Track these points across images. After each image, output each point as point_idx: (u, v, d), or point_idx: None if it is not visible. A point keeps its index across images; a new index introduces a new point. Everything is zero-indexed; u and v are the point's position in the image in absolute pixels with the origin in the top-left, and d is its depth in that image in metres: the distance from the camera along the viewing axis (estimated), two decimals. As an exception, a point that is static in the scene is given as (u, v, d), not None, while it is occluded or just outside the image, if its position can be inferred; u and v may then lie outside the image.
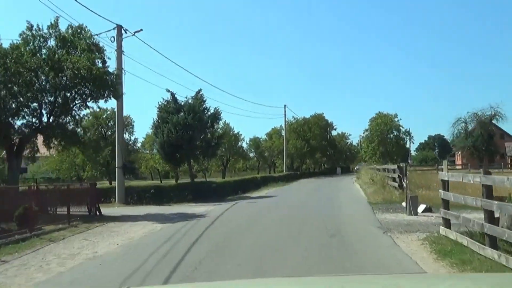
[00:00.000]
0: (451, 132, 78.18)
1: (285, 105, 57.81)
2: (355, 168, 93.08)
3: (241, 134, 65.59)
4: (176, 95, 28.17)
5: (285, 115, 57.72)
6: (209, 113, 28.39)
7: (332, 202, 21.26)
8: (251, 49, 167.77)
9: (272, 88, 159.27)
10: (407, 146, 61.81)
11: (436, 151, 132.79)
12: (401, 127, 58.47)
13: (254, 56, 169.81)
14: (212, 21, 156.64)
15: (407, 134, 58.83)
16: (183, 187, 27.23)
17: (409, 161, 63.63)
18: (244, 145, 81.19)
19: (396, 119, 58.19)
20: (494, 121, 74.36)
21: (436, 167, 47.84)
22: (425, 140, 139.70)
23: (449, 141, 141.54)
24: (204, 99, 28.29)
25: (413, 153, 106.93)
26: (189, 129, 26.54)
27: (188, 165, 28.69)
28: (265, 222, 14.96)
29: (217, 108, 28.96)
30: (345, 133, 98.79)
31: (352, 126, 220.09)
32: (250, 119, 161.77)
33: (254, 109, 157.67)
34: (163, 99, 28.24)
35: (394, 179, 23.27)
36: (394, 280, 3.12)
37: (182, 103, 27.93)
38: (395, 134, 58.84)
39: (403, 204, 18.54)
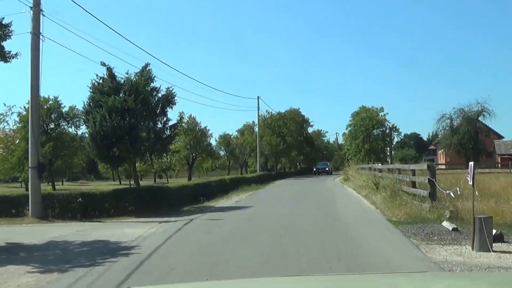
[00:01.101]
0: (435, 129, 73.24)
1: (258, 97, 51.08)
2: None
3: (208, 129, 58.48)
4: (116, 72, 20.88)
5: (258, 108, 50.98)
6: (159, 95, 21.20)
7: (334, 220, 14.30)
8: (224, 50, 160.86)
9: (245, 79, 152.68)
10: (394, 143, 55.52)
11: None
12: (387, 122, 52.17)
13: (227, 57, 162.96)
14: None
15: (394, 129, 52.59)
16: (123, 194, 20.01)
17: (388, 160, 57.86)
18: (213, 142, 74.96)
19: (381, 113, 51.92)
20: (480, 118, 69.77)
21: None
22: (401, 139, 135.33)
23: (425, 139, 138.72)
24: (153, 75, 21.06)
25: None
26: (131, 115, 19.27)
27: (130, 165, 21.49)
28: (234, 272, 8.09)
29: (171, 89, 21.62)
30: (321, 130, 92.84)
31: (327, 124, 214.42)
32: (220, 115, 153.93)
33: (225, 99, 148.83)
34: (97, 76, 20.84)
35: (413, 184, 16.53)
36: (393, 279, 3.12)
37: (123, 82, 20.67)
38: (381, 129, 52.54)
39: (445, 224, 12.00)
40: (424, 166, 15.84)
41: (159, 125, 21.53)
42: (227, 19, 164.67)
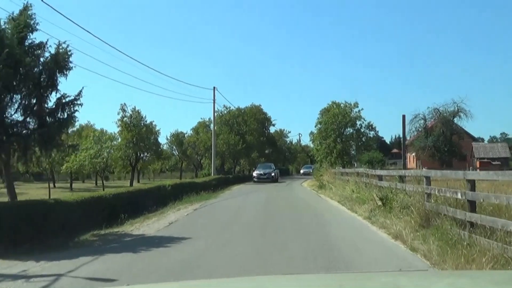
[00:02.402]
0: (407, 130, 67.34)
1: (214, 88, 43.17)
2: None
3: (155, 125, 50.39)
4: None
5: (214, 100, 43.06)
6: (45, 53, 13.24)
7: None
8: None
9: (201, 75, 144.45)
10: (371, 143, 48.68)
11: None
12: (363, 119, 45.29)
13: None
14: None
15: (369, 128, 45.76)
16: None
17: (355, 163, 50.94)
18: (164, 141, 66.76)
19: (356, 109, 45.01)
20: (456, 119, 64.31)
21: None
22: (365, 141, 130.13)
23: (388, 142, 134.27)
24: (35, 22, 13.03)
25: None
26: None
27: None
28: None
29: (64, 45, 13.56)
30: (284, 130, 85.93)
31: (290, 125, 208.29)
32: (173, 112, 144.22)
33: (177, 89, 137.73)
34: None
35: (472, 207, 9.18)
36: (393, 277, 3.10)
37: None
38: (356, 128, 45.60)
39: None
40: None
41: (49, 104, 13.51)
42: (181, 12, 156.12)
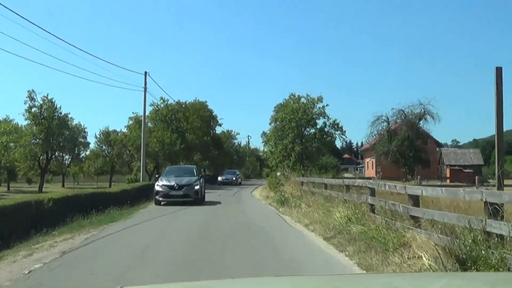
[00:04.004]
0: (368, 133, 60.51)
1: (146, 73, 34.15)
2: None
3: (71, 117, 40.77)
4: None
5: (145, 89, 34.02)
6: None
7: None
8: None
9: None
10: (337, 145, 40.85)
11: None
12: (328, 117, 37.47)
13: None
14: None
15: (336, 127, 37.94)
16: None
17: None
18: (92, 140, 57.05)
19: (320, 105, 37.16)
20: (421, 122, 58.07)
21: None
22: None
23: (338, 147, 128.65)
24: None
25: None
26: None
27: None
28: None
29: None
30: (232, 131, 77.62)
31: (238, 126, 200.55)
32: (103, 108, 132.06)
33: (102, 71, 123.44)
34: None
35: None
36: (389, 279, 3.02)
37: None
38: (320, 126, 37.75)
39: None
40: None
41: None
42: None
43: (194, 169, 24.27)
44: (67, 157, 48.55)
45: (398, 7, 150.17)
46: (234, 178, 51.87)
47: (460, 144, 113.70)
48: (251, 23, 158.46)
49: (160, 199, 21.02)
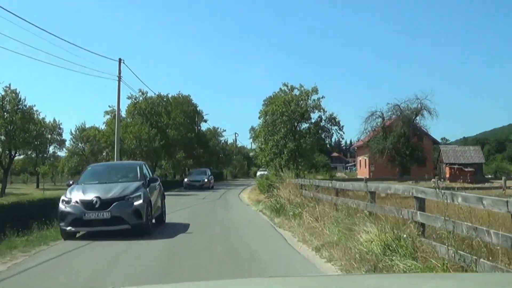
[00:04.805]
0: (362, 129, 57.03)
1: (120, 59, 30.16)
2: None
3: (38, 111, 36.58)
4: None
5: (119, 77, 30.08)
6: None
7: None
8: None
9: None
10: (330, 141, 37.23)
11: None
12: (323, 110, 33.71)
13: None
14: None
15: (332, 122, 34.21)
16: None
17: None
18: (68, 137, 52.70)
19: (315, 97, 33.41)
20: (418, 118, 54.74)
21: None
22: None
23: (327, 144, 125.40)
24: None
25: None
26: None
27: None
28: None
29: None
30: (218, 128, 73.65)
31: (224, 124, 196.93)
32: (80, 103, 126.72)
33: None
34: None
35: None
36: (380, 279, 2.93)
37: None
38: (315, 120, 33.96)
39: None
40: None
41: None
42: None
43: (139, 168, 13.84)
44: (34, 155, 44.25)
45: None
46: (205, 180, 40.30)
47: (450, 142, 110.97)
48: (241, 10, 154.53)
49: (69, 228, 11.64)
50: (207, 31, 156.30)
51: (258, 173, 68.94)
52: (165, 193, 15.67)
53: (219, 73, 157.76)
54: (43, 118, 37.91)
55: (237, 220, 15.82)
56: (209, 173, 42.84)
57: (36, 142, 37.57)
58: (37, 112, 36.44)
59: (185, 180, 40.93)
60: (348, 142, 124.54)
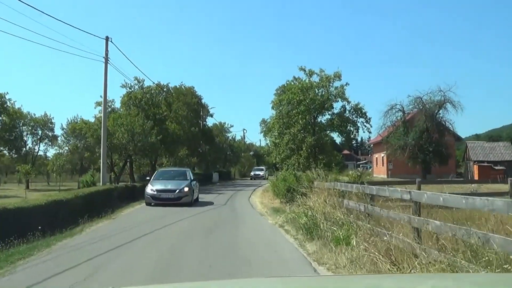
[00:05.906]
0: (381, 124, 52.04)
1: (107, 38, 25.36)
2: (252, 174, 63.89)
3: (13, 102, 31.86)
4: None
5: (106, 58, 25.32)
6: None
7: None
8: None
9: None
10: (357, 136, 32.37)
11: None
12: (347, 100, 28.78)
13: None
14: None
15: (358, 113, 29.29)
16: None
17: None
18: (59, 132, 48.07)
19: (337, 83, 28.51)
20: (441, 112, 49.69)
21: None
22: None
23: (338, 143, 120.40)
24: None
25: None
26: None
27: None
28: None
29: None
30: (224, 123, 68.89)
31: (231, 119, 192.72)
32: (73, 96, 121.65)
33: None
34: None
35: None
36: (377, 280, 2.95)
37: None
38: (339, 111, 29.08)
39: None
40: None
41: None
42: None
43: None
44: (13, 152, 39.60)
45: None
46: (185, 190, 21.63)
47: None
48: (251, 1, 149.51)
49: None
50: (211, 24, 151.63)
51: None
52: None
53: (225, 65, 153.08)
54: (19, 108, 33.10)
55: (250, 250, 10.82)
56: (191, 177, 23.53)
57: (8, 136, 32.72)
58: (10, 101, 31.68)
59: (147, 190, 21.98)
60: (359, 139, 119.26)
